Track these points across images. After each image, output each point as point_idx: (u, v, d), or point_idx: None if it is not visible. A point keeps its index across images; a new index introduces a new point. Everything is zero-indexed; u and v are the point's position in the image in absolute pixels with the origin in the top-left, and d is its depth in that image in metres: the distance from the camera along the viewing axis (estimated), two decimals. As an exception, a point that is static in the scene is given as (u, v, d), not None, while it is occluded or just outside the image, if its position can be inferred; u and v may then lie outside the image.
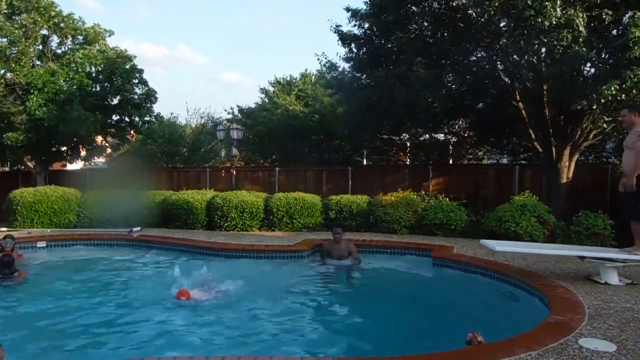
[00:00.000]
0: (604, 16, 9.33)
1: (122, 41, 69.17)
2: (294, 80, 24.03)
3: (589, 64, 10.63)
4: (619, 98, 9.18)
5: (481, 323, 4.85)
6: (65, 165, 21.64)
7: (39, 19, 16.41)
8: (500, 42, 10.24)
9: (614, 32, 10.20)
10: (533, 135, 12.36)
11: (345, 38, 13.98)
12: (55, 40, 17.83)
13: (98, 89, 17.75)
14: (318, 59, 16.31)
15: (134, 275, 8.44)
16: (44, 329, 5.53)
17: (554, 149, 11.97)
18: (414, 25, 12.46)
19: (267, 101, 23.76)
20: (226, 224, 12.27)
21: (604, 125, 10.40)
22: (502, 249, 6.92)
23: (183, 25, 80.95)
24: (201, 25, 79.55)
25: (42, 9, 16.53)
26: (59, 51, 17.93)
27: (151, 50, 73.50)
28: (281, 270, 8.53)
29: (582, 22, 8.97)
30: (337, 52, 21.34)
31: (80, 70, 16.66)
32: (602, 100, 9.17)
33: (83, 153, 19.43)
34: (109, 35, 18.26)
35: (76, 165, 22.37)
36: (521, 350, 3.82)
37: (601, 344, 3.99)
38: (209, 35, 78.68)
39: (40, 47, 17.34)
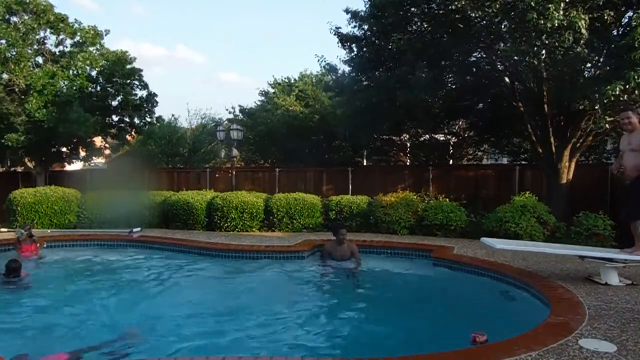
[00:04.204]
0: (605, 17, 9.33)
1: (120, 41, 69.29)
2: (294, 81, 24.04)
3: (589, 65, 10.63)
4: (621, 98, 9.18)
5: (482, 323, 4.85)
6: (64, 166, 21.64)
7: (36, 25, 16.42)
8: (500, 46, 10.26)
9: (615, 32, 10.20)
10: (533, 136, 12.36)
11: (345, 40, 13.97)
12: (53, 40, 17.84)
13: (99, 89, 17.75)
14: (318, 60, 16.32)
15: (133, 275, 8.44)
16: (42, 331, 5.54)
17: (554, 150, 11.97)
18: (413, 27, 12.46)
19: (266, 102, 23.78)
20: (226, 225, 12.27)
21: (606, 126, 10.40)
22: (502, 247, 6.93)
23: (181, 24, 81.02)
24: (200, 25, 79.68)
25: (40, 12, 16.53)
26: (56, 50, 17.89)
27: (149, 50, 73.55)
28: (281, 271, 8.51)
29: (584, 24, 8.97)
30: (337, 55, 21.35)
31: (81, 73, 16.68)
32: (605, 101, 9.17)
33: (83, 154, 19.41)
34: (106, 34, 18.25)
35: (76, 166, 22.37)
36: (521, 351, 3.82)
37: (601, 344, 3.99)
38: (208, 34, 78.79)
39: (37, 46, 17.33)
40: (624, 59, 9.04)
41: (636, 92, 9.08)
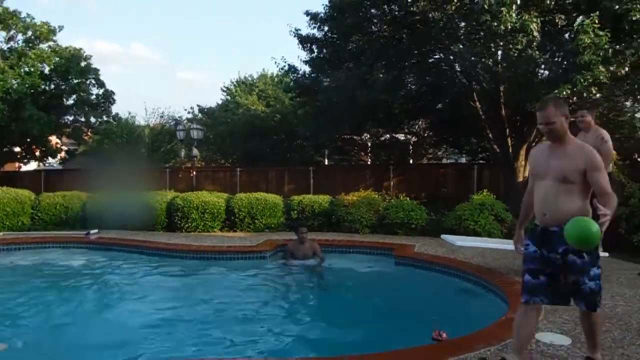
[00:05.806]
0: (557, 20, 9.62)
1: (75, 39, 67.27)
2: (255, 81, 23.97)
3: (543, 67, 10.93)
4: (571, 101, 9.46)
5: (443, 320, 4.94)
6: (19, 167, 20.93)
7: None
8: (457, 48, 10.46)
9: (567, 36, 10.52)
10: (490, 135, 12.64)
11: (305, 41, 13.97)
12: (2, 36, 17.22)
13: (52, 87, 17.22)
14: (276, 63, 16.29)
15: (89, 278, 8.22)
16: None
17: (510, 149, 12.27)
18: (373, 28, 12.56)
19: (229, 100, 23.62)
20: (187, 225, 12.08)
21: None
22: (462, 244, 7.08)
23: (137, 22, 79.38)
24: (157, 23, 78.33)
25: None
26: (5, 47, 17.28)
27: (105, 47, 71.48)
28: (244, 271, 8.45)
29: (537, 27, 9.22)
30: (297, 55, 21.33)
31: (32, 69, 16.15)
32: None
33: (37, 154, 18.81)
34: (60, 31, 17.72)
35: (30, 167, 21.67)
36: (481, 346, 3.91)
37: (557, 337, 4.12)
38: (164, 32, 77.39)
39: None
40: (573, 63, 9.34)
41: (584, 95, 9.37)
